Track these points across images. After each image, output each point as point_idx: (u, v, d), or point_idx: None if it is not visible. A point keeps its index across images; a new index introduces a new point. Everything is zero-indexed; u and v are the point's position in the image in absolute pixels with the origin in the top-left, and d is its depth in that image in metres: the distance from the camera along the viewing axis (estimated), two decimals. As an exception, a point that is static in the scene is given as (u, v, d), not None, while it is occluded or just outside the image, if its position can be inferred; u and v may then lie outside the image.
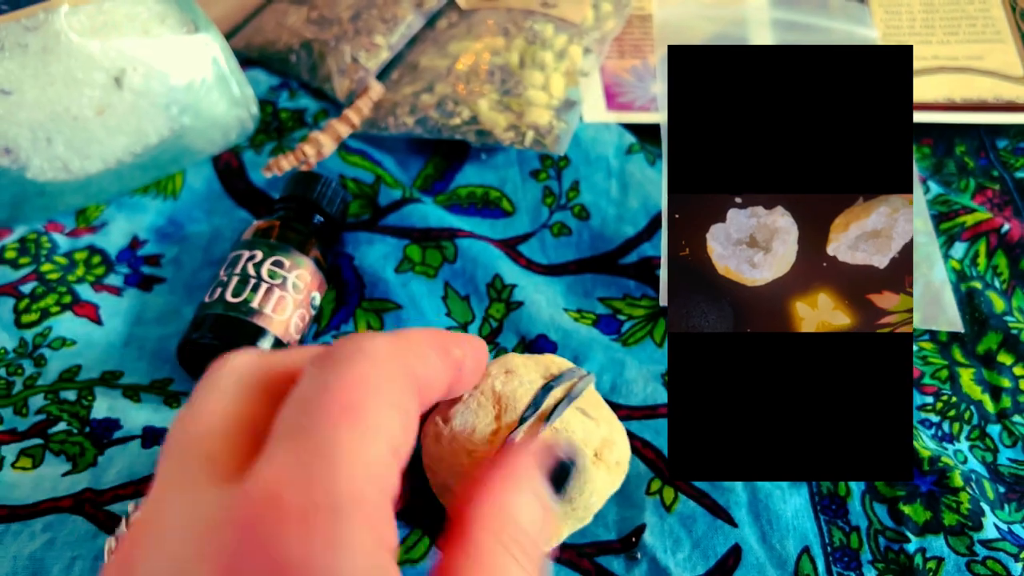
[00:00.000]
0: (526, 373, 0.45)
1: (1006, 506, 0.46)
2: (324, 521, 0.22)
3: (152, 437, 0.48)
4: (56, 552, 0.43)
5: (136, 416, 0.49)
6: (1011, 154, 0.62)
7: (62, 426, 0.49)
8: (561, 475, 0.31)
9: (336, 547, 0.22)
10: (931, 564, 0.44)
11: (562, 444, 0.31)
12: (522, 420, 0.43)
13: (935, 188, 0.59)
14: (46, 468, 0.47)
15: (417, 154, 0.62)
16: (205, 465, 0.24)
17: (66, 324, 0.53)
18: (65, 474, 0.47)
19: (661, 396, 0.50)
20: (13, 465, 0.47)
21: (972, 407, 0.50)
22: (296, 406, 0.24)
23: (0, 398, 0.50)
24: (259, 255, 0.51)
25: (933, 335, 0.53)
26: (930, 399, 0.50)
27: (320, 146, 0.60)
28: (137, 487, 0.46)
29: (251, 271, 0.50)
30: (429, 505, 0.46)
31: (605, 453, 0.43)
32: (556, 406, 0.43)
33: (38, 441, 0.48)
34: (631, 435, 0.47)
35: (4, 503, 0.45)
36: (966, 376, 0.51)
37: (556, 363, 0.47)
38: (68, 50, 0.54)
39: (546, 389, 0.44)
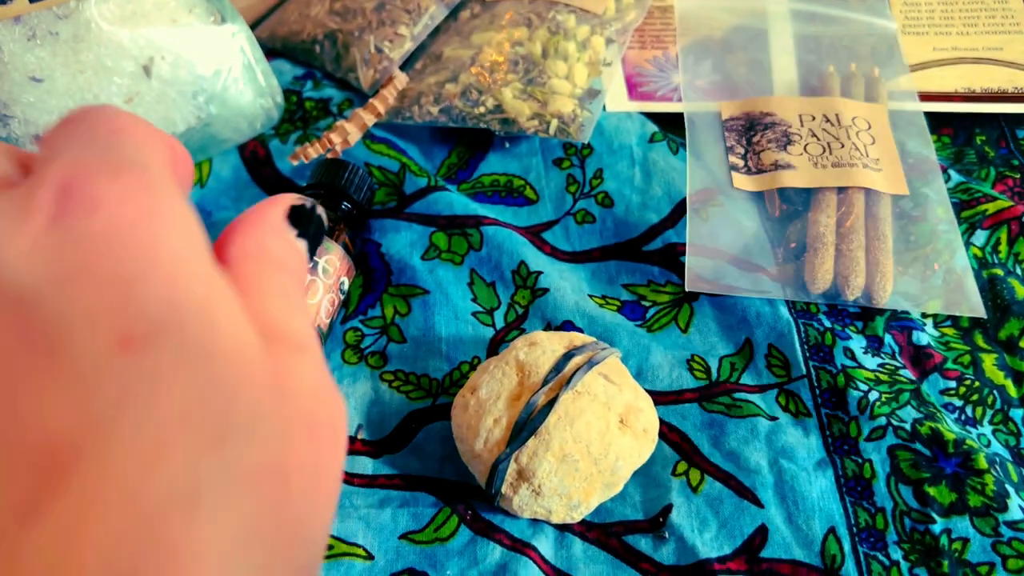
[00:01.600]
0: (550, 344, 0.46)
1: (1030, 488, 0.47)
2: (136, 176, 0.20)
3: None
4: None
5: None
6: (1031, 144, 0.63)
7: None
8: (304, 218, 0.27)
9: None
10: (957, 545, 0.44)
11: (297, 197, 0.28)
12: (544, 383, 0.44)
13: (956, 177, 0.60)
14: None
15: (441, 143, 0.63)
16: None
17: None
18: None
19: (687, 381, 0.51)
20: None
21: (995, 392, 0.51)
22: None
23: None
24: None
25: (955, 321, 0.53)
26: (953, 384, 0.51)
27: (346, 134, 0.60)
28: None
29: None
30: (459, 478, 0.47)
31: (631, 419, 0.44)
32: (577, 371, 0.44)
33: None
34: (657, 418, 0.48)
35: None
36: (988, 361, 0.52)
37: (580, 338, 0.48)
38: (98, 38, 0.54)
39: (567, 356, 0.45)
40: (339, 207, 0.55)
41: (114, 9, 0.55)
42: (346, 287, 0.53)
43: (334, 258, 0.51)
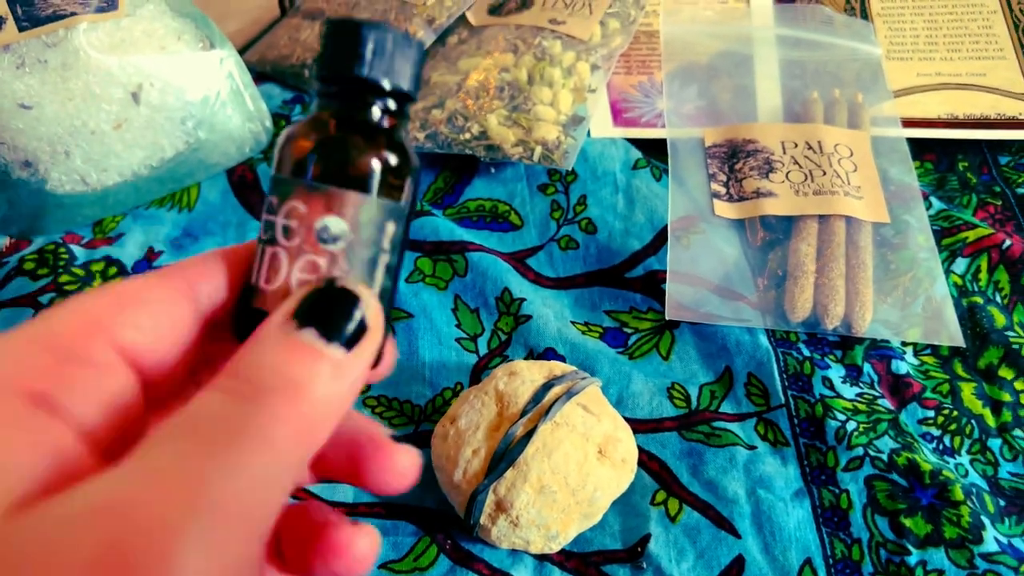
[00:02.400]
0: (529, 374, 0.47)
1: (1006, 519, 0.47)
2: None
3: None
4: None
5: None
6: (1013, 170, 0.63)
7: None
8: (332, 313, 0.24)
9: None
10: (931, 576, 0.44)
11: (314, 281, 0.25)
12: (523, 414, 0.44)
13: (937, 204, 0.60)
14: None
15: (427, 168, 0.63)
16: None
17: (83, 335, 0.54)
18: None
19: (667, 409, 0.51)
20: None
21: (973, 421, 0.51)
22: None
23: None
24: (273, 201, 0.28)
25: (934, 349, 0.54)
26: (931, 413, 0.51)
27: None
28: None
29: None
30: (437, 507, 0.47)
31: (609, 449, 0.45)
32: (556, 401, 0.45)
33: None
34: (636, 448, 0.48)
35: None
36: (967, 390, 0.52)
37: (560, 367, 0.48)
38: (87, 66, 0.55)
39: (546, 387, 0.46)
40: (366, 107, 0.27)
41: (103, 37, 0.56)
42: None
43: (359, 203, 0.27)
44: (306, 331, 0.23)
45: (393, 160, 0.27)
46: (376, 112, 0.27)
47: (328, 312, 0.24)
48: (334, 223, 0.28)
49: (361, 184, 0.27)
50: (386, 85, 0.27)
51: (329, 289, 0.25)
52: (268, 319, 0.24)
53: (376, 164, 0.27)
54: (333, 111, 0.27)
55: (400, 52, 0.28)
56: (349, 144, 0.27)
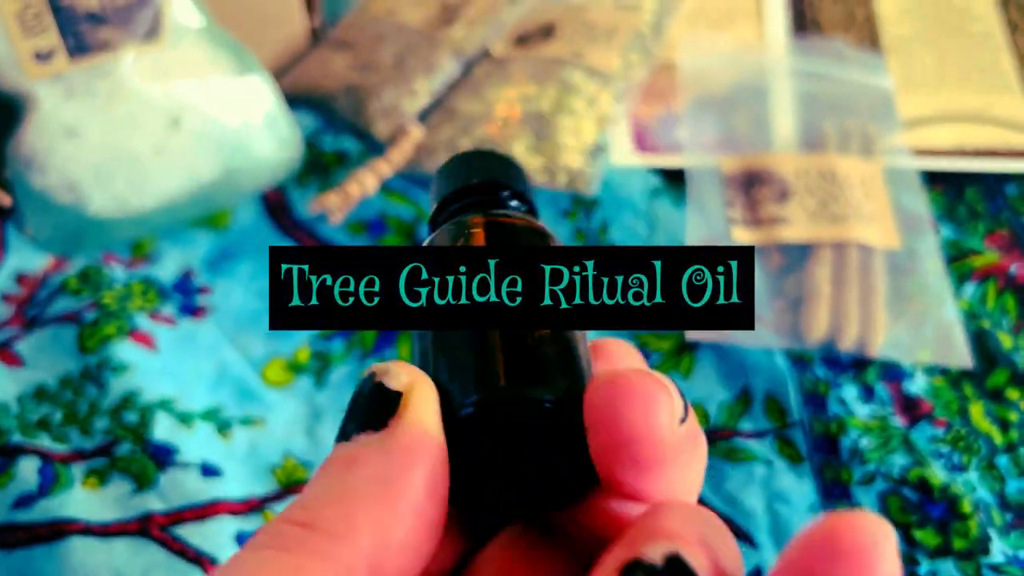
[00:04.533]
0: None
1: (1012, 533, 0.49)
2: None
3: (208, 468, 0.52)
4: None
5: (190, 442, 0.52)
6: (1020, 200, 0.65)
7: (125, 447, 0.52)
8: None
9: None
10: (942, 586, 0.46)
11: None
12: None
13: (946, 231, 0.62)
14: (112, 487, 0.50)
15: (454, 194, 0.66)
16: None
17: (125, 351, 0.56)
18: (133, 493, 0.50)
19: (687, 425, 0.53)
20: (83, 483, 0.50)
21: (981, 439, 0.53)
22: None
23: (66, 420, 0.53)
24: None
25: (944, 371, 0.56)
26: (941, 431, 0.53)
27: (364, 184, 0.63)
28: (199, 512, 0.49)
29: None
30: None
31: None
32: None
33: (104, 461, 0.51)
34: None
35: (80, 519, 0.48)
36: (976, 410, 0.54)
37: None
38: (132, 94, 0.58)
39: None
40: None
41: (148, 66, 0.58)
42: None
43: None
44: None
45: None
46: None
47: None
48: None
49: None
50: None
51: None
52: None
53: None
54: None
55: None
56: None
